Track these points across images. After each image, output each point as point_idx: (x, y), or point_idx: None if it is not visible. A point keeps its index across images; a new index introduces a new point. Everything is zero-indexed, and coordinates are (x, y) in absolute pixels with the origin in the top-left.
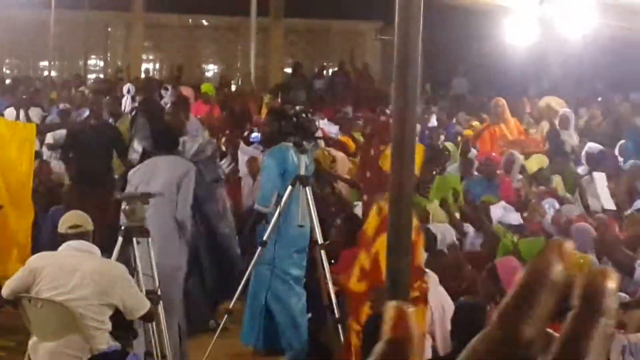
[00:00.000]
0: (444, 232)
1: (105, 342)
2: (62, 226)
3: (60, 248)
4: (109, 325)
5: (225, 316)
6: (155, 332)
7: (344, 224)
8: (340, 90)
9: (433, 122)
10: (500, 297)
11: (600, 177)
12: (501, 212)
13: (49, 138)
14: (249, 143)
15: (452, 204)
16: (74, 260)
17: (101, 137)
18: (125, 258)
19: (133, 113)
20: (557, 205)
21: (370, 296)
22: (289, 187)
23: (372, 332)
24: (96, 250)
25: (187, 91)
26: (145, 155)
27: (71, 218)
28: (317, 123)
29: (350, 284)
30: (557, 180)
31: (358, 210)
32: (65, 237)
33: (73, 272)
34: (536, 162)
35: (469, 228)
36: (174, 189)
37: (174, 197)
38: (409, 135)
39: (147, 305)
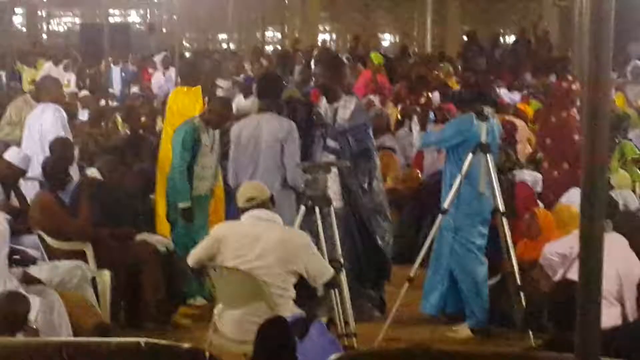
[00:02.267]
0: (627, 198)
1: (289, 309)
2: (240, 199)
3: (243, 217)
4: (292, 293)
5: (406, 284)
6: (338, 299)
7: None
8: (521, 58)
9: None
10: None
11: None
12: None
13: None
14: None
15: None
16: (257, 229)
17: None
18: (308, 227)
19: None
20: None
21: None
22: (470, 155)
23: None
24: (278, 218)
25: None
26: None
27: (247, 191)
28: (497, 91)
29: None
30: None
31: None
32: (244, 210)
33: (256, 240)
34: None
35: None
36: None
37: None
38: (603, 100)
39: (331, 272)
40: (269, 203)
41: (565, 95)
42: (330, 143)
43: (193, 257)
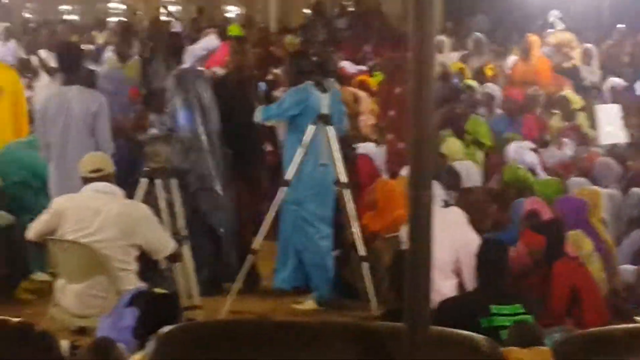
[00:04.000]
0: (468, 170)
1: (132, 283)
2: (83, 169)
3: (82, 190)
4: (135, 266)
5: (250, 256)
6: (181, 272)
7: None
8: (360, 29)
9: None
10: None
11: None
12: (516, 150)
13: None
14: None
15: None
16: (98, 202)
17: None
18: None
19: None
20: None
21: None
22: (311, 126)
23: (398, 267)
24: (119, 191)
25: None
26: None
27: (92, 162)
28: (336, 62)
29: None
30: (581, 117)
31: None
32: (87, 180)
33: (97, 213)
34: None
35: None
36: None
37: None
38: (426, 68)
39: (172, 245)
40: (112, 177)
41: (406, 67)
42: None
43: (33, 231)
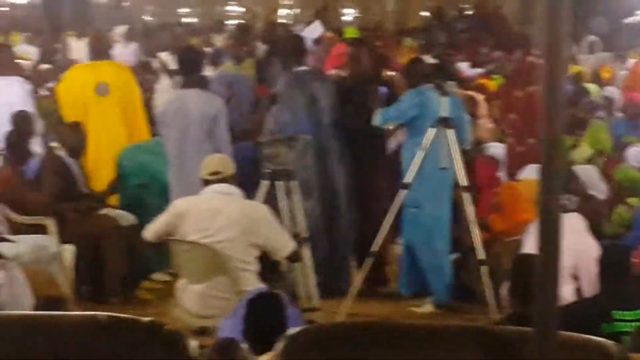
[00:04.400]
0: (589, 174)
1: (252, 283)
2: (203, 172)
3: (203, 192)
4: (255, 266)
5: (369, 259)
6: (301, 274)
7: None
8: (480, 32)
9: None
10: None
11: None
12: (636, 155)
13: None
14: None
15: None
16: (217, 203)
17: None
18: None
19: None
20: None
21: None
22: (431, 129)
23: (520, 271)
24: (238, 192)
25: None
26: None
27: (212, 164)
28: (457, 65)
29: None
30: None
31: (496, 151)
32: (207, 183)
33: (217, 214)
34: None
35: None
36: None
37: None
38: (558, 72)
39: (292, 245)
40: (232, 179)
41: (529, 70)
42: None
43: (150, 231)
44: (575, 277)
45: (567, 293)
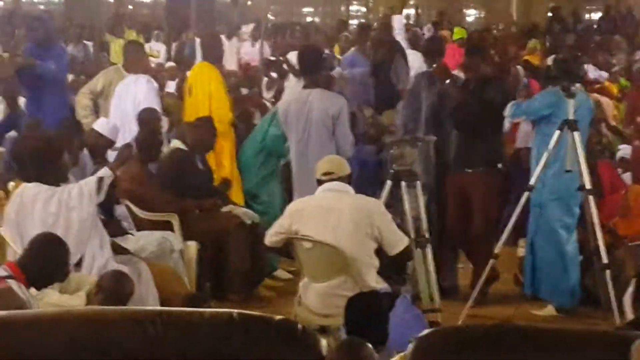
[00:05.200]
0: None
1: (374, 279)
2: (318, 172)
3: (317, 191)
4: (376, 262)
5: (491, 261)
6: (424, 275)
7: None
8: (607, 34)
9: None
10: None
11: None
12: None
13: None
14: None
15: None
16: (330, 200)
17: None
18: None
19: None
20: None
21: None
22: (557, 132)
23: None
24: (350, 189)
25: (445, 34)
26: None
27: (325, 165)
28: (584, 67)
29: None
30: None
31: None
32: (320, 182)
33: (331, 211)
34: None
35: None
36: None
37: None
38: None
39: (405, 241)
40: (346, 179)
41: None
42: None
43: (269, 237)
44: None
45: None
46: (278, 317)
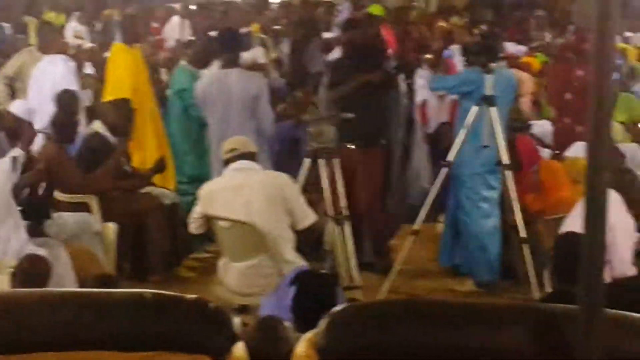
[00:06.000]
0: (634, 153)
1: (292, 256)
2: (222, 153)
3: (224, 172)
4: (291, 235)
5: (411, 237)
6: (340, 254)
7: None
8: (526, 10)
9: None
10: None
11: None
12: None
13: None
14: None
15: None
16: (239, 179)
17: None
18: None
19: None
20: None
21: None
22: (474, 107)
23: (563, 250)
24: (257, 166)
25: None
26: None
27: (229, 143)
28: (502, 43)
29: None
30: None
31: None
32: (226, 163)
33: (240, 189)
34: None
35: None
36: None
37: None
38: (608, 50)
39: (312, 217)
40: (251, 155)
41: (580, 48)
42: None
43: (192, 226)
44: (609, 255)
45: None
46: (190, 296)
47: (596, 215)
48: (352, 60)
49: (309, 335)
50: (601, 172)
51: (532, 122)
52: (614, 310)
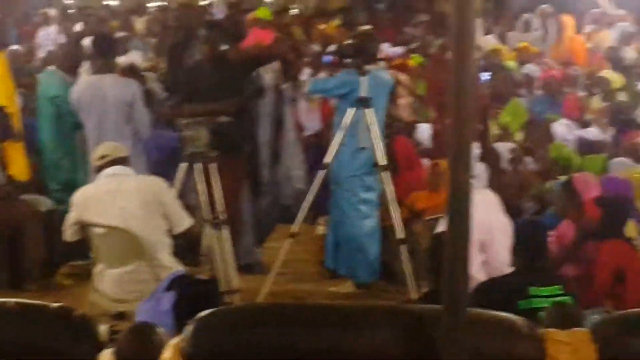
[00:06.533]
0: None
1: (168, 262)
2: (93, 160)
3: (97, 178)
4: (168, 240)
5: (289, 239)
6: (218, 258)
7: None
8: (402, 12)
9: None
10: (577, 211)
11: None
12: (563, 130)
13: None
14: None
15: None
16: (113, 185)
17: None
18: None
19: None
20: None
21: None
22: (350, 109)
23: (435, 249)
24: (130, 171)
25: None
26: None
27: (99, 150)
28: (377, 45)
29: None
30: (622, 96)
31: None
32: (98, 170)
33: (115, 195)
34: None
35: None
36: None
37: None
38: (467, 53)
39: (188, 222)
40: (123, 161)
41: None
42: None
43: (67, 233)
44: (484, 251)
45: (475, 266)
46: (53, 304)
47: (459, 215)
48: (212, 63)
49: (175, 340)
50: (463, 172)
51: (414, 124)
52: (478, 309)
